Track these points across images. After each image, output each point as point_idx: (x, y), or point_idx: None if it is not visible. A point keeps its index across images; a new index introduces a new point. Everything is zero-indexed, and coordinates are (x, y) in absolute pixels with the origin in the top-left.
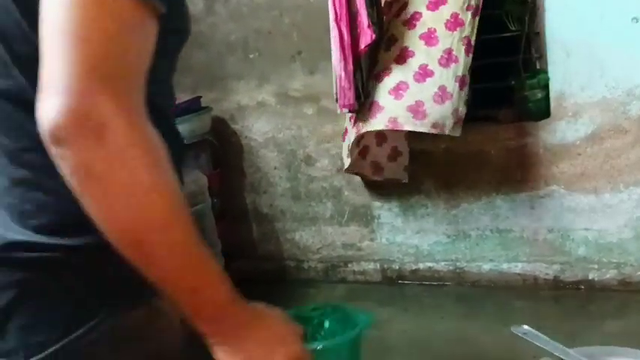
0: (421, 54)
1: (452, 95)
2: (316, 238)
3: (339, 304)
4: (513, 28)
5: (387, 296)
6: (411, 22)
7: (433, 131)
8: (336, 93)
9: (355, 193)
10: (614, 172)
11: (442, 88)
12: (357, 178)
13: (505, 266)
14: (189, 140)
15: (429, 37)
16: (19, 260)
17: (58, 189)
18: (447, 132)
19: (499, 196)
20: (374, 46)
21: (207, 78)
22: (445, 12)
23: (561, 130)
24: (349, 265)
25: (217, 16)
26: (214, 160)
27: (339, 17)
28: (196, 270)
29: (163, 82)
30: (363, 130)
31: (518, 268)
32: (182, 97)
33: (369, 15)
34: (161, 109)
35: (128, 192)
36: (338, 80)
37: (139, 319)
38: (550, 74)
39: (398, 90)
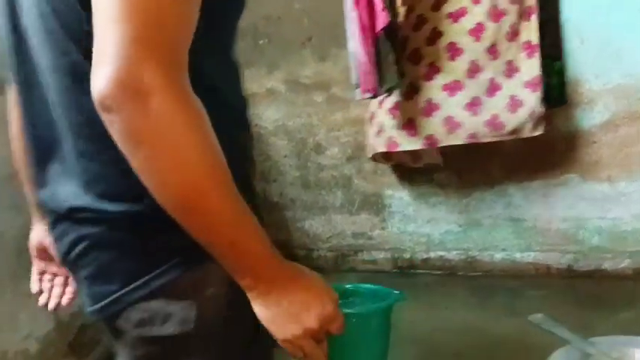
0: (489, 68)
1: (523, 102)
2: (326, 227)
3: (371, 284)
4: None
5: (397, 286)
6: (477, 34)
7: (513, 137)
8: (356, 79)
9: (365, 181)
10: (629, 160)
11: (513, 98)
12: (368, 166)
13: (518, 255)
14: None
15: (494, 51)
16: (86, 220)
17: (114, 159)
18: (526, 135)
19: (512, 184)
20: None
21: None
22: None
23: (576, 118)
24: (359, 254)
25: None
26: None
27: (358, 1)
28: (234, 227)
29: (221, 55)
30: (443, 144)
31: (531, 257)
32: None
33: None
34: (217, 80)
35: (171, 156)
36: (359, 66)
37: (190, 281)
38: (565, 61)
39: (473, 106)
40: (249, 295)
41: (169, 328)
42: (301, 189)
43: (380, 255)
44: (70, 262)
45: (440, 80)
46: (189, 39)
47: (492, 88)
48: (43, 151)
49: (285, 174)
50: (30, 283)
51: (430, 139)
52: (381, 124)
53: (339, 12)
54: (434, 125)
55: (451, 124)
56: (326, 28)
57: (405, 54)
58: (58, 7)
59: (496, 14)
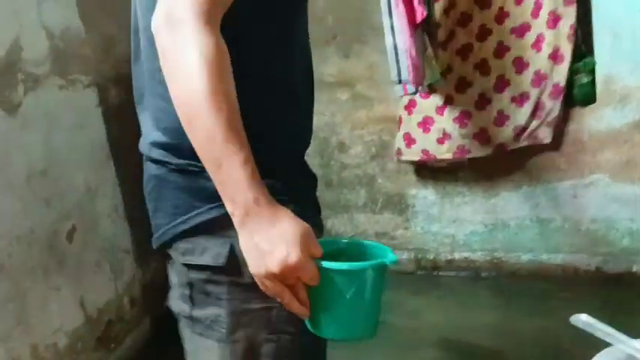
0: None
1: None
2: (349, 227)
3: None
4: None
5: (421, 286)
6: (538, 45)
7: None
8: (399, 74)
9: (389, 180)
10: None
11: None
12: (391, 166)
13: (545, 257)
14: None
15: (521, 64)
16: (155, 161)
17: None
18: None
19: (540, 184)
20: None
21: None
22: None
23: (608, 117)
24: None
25: None
26: None
27: None
28: (222, 148)
29: (285, 27)
30: (510, 148)
31: (558, 258)
32: None
33: None
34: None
35: (182, 74)
36: (409, 59)
37: (227, 222)
38: (597, 57)
39: (537, 111)
40: (233, 222)
41: (206, 259)
42: (324, 187)
43: (403, 255)
44: (146, 198)
45: (508, 93)
46: (225, 5)
47: (556, 92)
48: (138, 102)
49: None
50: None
51: (500, 147)
52: (446, 131)
53: (363, 9)
54: (505, 134)
55: (518, 132)
56: (350, 26)
57: (451, 49)
58: None
59: (554, 20)
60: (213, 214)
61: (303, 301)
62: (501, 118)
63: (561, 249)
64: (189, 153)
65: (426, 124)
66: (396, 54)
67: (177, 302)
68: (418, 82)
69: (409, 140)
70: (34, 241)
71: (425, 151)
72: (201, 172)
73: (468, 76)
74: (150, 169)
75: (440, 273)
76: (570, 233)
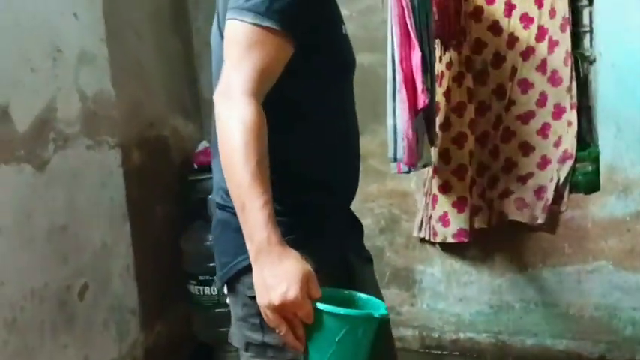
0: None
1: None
2: None
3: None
4: None
5: None
6: (543, 133)
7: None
8: (395, 153)
9: (397, 254)
10: None
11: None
12: (400, 240)
13: (549, 342)
14: None
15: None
16: (220, 203)
17: None
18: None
19: (545, 268)
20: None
21: None
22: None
23: (611, 205)
24: None
25: None
26: None
27: (406, 79)
28: (247, 193)
29: (323, 102)
30: (512, 218)
31: (562, 344)
32: None
33: (424, 81)
34: (315, 120)
35: (227, 132)
36: (405, 140)
37: None
38: (601, 148)
39: (541, 192)
40: (250, 256)
41: None
42: None
43: (408, 332)
44: (213, 240)
45: (515, 172)
46: (269, 75)
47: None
48: (213, 155)
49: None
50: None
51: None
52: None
53: (379, 90)
54: (508, 206)
55: (519, 204)
56: (366, 104)
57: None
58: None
59: (559, 112)
60: None
61: (299, 336)
62: (506, 192)
63: (565, 335)
64: None
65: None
66: (395, 134)
67: (244, 334)
68: (411, 163)
69: (444, 221)
70: (46, 297)
71: (461, 231)
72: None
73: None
74: (217, 215)
75: (444, 352)
76: (574, 319)
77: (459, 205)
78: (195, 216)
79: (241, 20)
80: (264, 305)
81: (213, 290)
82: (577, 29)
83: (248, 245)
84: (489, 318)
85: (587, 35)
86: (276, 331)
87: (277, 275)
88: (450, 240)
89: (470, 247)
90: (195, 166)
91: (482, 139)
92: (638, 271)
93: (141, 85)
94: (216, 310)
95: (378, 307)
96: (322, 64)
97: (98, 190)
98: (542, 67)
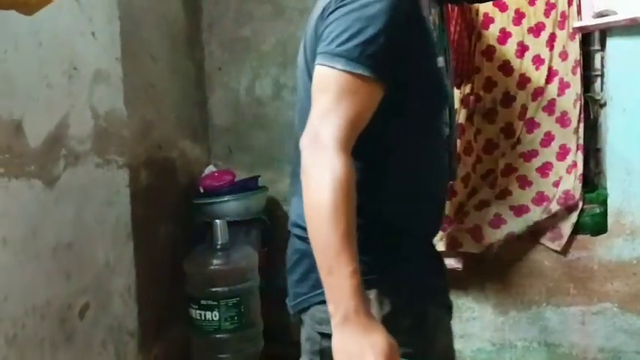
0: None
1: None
2: None
3: None
4: None
5: None
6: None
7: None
8: None
9: None
10: None
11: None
12: None
13: None
14: (243, 217)
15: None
16: (298, 237)
17: None
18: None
19: (549, 307)
20: None
21: (265, 158)
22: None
23: (618, 248)
24: None
25: (284, 101)
26: (263, 238)
27: None
28: (335, 258)
29: (413, 138)
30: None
31: None
32: (240, 174)
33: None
34: (403, 158)
35: (312, 189)
36: None
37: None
38: (609, 191)
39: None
40: (331, 321)
41: None
42: None
43: None
44: (288, 269)
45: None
46: (360, 123)
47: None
48: (292, 183)
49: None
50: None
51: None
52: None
53: None
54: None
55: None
56: None
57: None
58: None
59: (564, 153)
60: None
61: None
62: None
63: None
64: None
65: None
66: None
67: None
68: None
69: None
70: (48, 314)
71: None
72: None
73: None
74: (296, 244)
75: None
76: None
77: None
78: (200, 239)
79: (332, 67)
80: None
81: (215, 315)
82: (588, 73)
83: (331, 309)
84: (491, 356)
85: (599, 79)
86: None
87: (362, 347)
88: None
89: (473, 284)
90: (201, 190)
91: (485, 176)
92: None
93: (152, 106)
94: (217, 335)
95: None
96: (416, 102)
97: (105, 208)
98: (549, 107)
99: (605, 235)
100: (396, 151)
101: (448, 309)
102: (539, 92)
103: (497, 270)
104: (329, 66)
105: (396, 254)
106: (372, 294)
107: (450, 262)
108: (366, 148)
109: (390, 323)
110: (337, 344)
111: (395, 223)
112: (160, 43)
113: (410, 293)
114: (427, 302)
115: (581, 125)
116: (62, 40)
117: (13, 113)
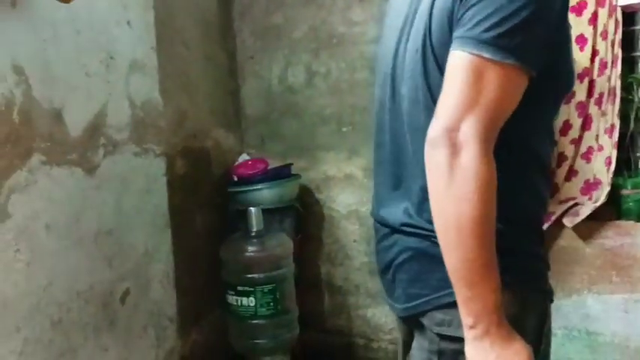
0: None
1: None
2: (389, 318)
3: None
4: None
5: None
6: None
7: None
8: None
9: None
10: None
11: None
12: None
13: None
14: (277, 205)
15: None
16: (413, 234)
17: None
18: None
19: (591, 295)
20: None
21: (298, 146)
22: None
23: None
24: None
25: (316, 89)
26: (297, 226)
27: None
28: (480, 272)
29: (545, 127)
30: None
31: None
32: (272, 162)
33: None
34: (538, 151)
35: (453, 195)
36: None
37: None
38: None
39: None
40: (466, 333)
41: (462, 333)
42: (367, 275)
43: None
44: (394, 266)
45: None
46: (503, 119)
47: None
48: (393, 181)
49: (353, 259)
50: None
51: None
52: None
53: None
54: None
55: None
56: None
57: None
58: (432, 88)
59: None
60: None
61: None
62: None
63: None
64: None
65: None
66: None
67: None
68: None
69: None
70: (91, 299)
71: None
72: None
73: None
74: (406, 242)
75: None
76: (619, 349)
77: None
78: (234, 227)
79: (478, 55)
80: None
81: (251, 301)
82: (632, 54)
83: (470, 322)
84: None
85: None
86: None
87: (506, 357)
88: None
89: None
90: (235, 178)
91: None
92: None
93: (187, 96)
94: (253, 321)
95: None
96: (553, 88)
97: (143, 196)
98: (590, 89)
99: None
100: (531, 142)
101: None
102: (585, 74)
103: None
104: (474, 54)
105: (528, 251)
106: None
107: None
108: (503, 145)
109: (517, 324)
110: (476, 355)
111: (527, 219)
112: (193, 32)
113: (536, 294)
114: (548, 301)
115: (612, 107)
116: (99, 29)
117: (54, 102)
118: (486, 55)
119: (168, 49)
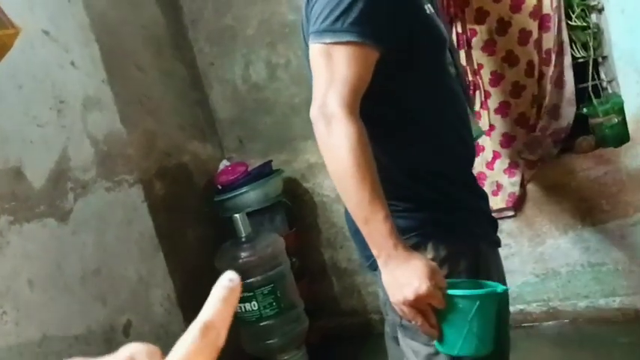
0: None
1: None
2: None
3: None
4: (578, 55)
5: None
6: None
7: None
8: None
9: None
10: None
11: None
12: None
13: (602, 302)
14: (263, 204)
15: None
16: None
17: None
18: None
19: (586, 228)
20: None
21: (276, 141)
22: None
23: None
24: None
25: (280, 81)
26: (289, 220)
27: None
28: (368, 209)
29: (425, 89)
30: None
31: (616, 302)
32: (253, 162)
33: None
34: (418, 110)
35: (334, 157)
36: None
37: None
38: (624, 97)
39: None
40: (378, 263)
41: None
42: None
43: None
44: (352, 235)
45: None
46: (361, 87)
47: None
48: None
49: (352, 240)
50: None
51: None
52: (498, 183)
53: None
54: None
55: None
56: None
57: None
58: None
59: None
60: (411, 242)
61: (434, 324)
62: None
63: (618, 292)
64: (390, 195)
65: (479, 179)
66: None
67: (392, 313)
68: None
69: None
70: (92, 339)
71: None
72: (398, 211)
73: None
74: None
75: None
76: (624, 275)
77: (509, 171)
78: (226, 235)
79: (322, 42)
80: (399, 302)
81: (254, 305)
82: None
83: (375, 252)
84: (537, 287)
85: None
86: (413, 322)
87: (408, 274)
88: (500, 205)
89: (504, 220)
90: (219, 187)
91: (502, 109)
92: None
93: (151, 117)
94: (261, 324)
95: (495, 286)
96: (419, 53)
97: (125, 227)
98: (544, 23)
99: (628, 144)
100: (416, 102)
101: (496, 244)
102: (537, 10)
103: (526, 201)
104: (320, 43)
105: (446, 202)
106: (429, 244)
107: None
108: (388, 109)
109: (447, 266)
110: (387, 279)
111: (436, 170)
112: (144, 52)
113: (462, 238)
114: (479, 243)
115: (555, 30)
116: (41, 77)
117: (10, 160)
118: (328, 40)
119: (121, 77)
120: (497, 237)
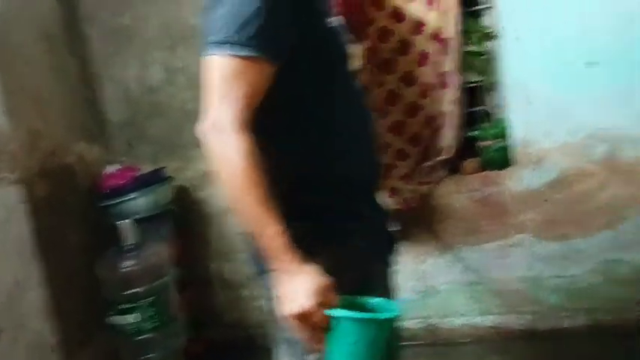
0: None
1: None
2: None
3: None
4: (472, 80)
5: None
6: None
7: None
8: None
9: None
10: (582, 216)
11: None
12: None
13: (478, 319)
14: (152, 212)
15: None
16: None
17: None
18: None
19: (467, 247)
20: None
21: (168, 147)
22: None
23: (527, 178)
24: None
25: (176, 85)
26: (178, 229)
27: None
28: (262, 223)
29: (322, 99)
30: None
31: (489, 320)
32: (145, 167)
33: None
34: (317, 107)
35: (227, 167)
36: None
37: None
38: (512, 122)
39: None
40: (272, 274)
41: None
42: None
43: None
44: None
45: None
46: (254, 105)
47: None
48: None
49: (241, 252)
50: None
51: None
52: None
53: None
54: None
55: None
56: None
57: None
58: None
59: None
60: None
61: (319, 341)
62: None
63: (492, 310)
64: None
65: None
66: None
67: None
68: None
69: None
70: None
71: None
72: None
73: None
74: None
75: None
76: (499, 294)
77: (406, 178)
78: (110, 242)
79: (219, 54)
80: (283, 317)
81: (136, 317)
82: (477, 7)
83: (270, 265)
84: (417, 304)
85: (490, 12)
86: (299, 337)
87: (296, 290)
88: (395, 207)
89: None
90: (107, 191)
91: (397, 128)
92: (559, 239)
93: (38, 114)
94: (139, 337)
95: (390, 308)
96: (311, 63)
97: (2, 227)
98: (445, 46)
99: (513, 167)
100: (304, 109)
101: (387, 263)
102: (437, 33)
103: (410, 219)
104: (216, 54)
105: (337, 213)
106: (314, 254)
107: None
108: (281, 117)
109: (334, 275)
110: (279, 292)
111: (329, 179)
112: (35, 47)
113: (351, 251)
114: (369, 257)
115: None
116: None
117: None
118: (225, 52)
119: (7, 70)
120: (391, 254)
